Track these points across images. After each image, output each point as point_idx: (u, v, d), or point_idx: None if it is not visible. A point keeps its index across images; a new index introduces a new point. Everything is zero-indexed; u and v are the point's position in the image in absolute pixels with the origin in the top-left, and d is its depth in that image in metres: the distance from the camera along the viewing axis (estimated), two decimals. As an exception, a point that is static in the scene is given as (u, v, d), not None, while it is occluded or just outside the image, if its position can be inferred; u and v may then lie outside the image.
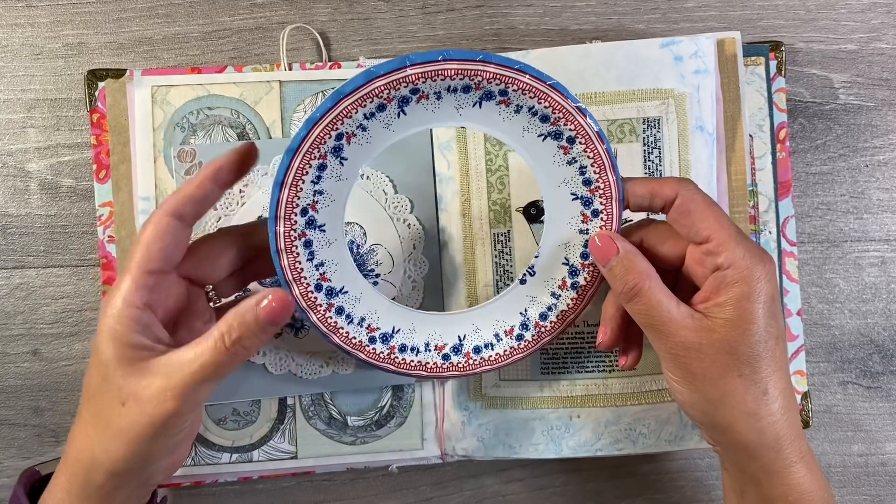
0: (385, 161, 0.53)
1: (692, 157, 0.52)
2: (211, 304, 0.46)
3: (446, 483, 0.57)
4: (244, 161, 0.41)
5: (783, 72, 0.55)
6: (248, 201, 0.53)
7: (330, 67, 0.54)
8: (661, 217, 0.45)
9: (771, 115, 0.55)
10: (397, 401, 0.54)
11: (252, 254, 0.45)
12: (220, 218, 0.53)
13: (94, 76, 0.53)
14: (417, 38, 0.56)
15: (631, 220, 0.48)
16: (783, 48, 0.55)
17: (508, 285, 0.49)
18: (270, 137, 0.53)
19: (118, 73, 0.53)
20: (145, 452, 0.39)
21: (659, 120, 0.52)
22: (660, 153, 0.52)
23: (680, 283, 0.45)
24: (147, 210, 0.53)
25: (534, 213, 0.52)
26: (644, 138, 0.52)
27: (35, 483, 0.45)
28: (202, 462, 0.53)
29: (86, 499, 0.41)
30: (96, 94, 0.53)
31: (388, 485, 0.57)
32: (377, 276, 0.53)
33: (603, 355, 0.53)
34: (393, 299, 0.49)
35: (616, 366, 0.53)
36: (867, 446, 0.57)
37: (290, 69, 0.54)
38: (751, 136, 0.54)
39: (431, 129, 0.53)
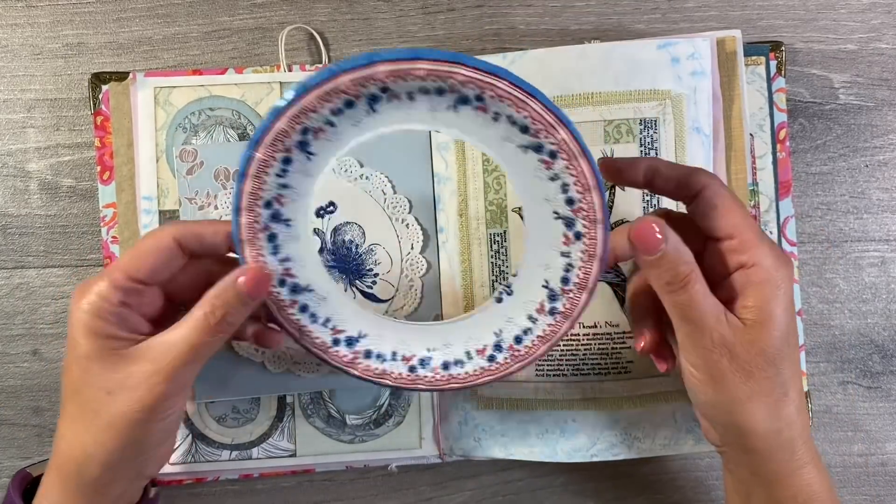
0: (384, 161, 0.53)
1: (689, 159, 0.52)
2: None
3: (446, 483, 0.57)
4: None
5: (783, 72, 0.55)
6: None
7: (329, 68, 0.54)
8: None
9: (771, 115, 0.54)
10: (395, 400, 0.54)
11: (213, 263, 0.45)
12: (220, 217, 0.53)
13: (98, 79, 0.54)
14: (417, 38, 0.57)
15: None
16: (783, 48, 0.55)
17: (504, 285, 0.49)
18: (270, 138, 0.54)
19: (121, 76, 0.53)
20: (139, 439, 0.40)
21: (656, 121, 0.52)
22: (657, 154, 0.52)
23: None
24: (149, 209, 0.53)
25: (530, 213, 0.52)
26: (641, 139, 0.52)
27: (27, 486, 0.45)
28: (202, 459, 0.54)
29: (81, 495, 0.41)
30: (100, 96, 0.54)
31: (387, 485, 0.57)
32: (375, 275, 0.54)
33: (599, 357, 0.53)
34: (388, 299, 0.48)
35: (612, 370, 0.53)
36: (867, 446, 0.57)
37: (290, 70, 0.54)
38: (751, 135, 0.54)
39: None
